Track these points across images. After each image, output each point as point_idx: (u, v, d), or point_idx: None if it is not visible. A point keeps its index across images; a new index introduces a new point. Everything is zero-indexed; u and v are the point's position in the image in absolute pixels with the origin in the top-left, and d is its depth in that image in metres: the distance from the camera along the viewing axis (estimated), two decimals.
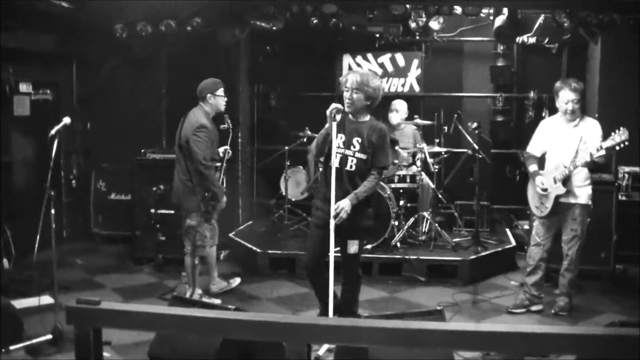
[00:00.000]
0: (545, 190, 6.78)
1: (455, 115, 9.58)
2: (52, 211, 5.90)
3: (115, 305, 3.80)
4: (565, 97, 6.72)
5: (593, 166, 6.61)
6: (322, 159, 6.13)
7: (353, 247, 5.97)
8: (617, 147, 6.45)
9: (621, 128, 6.40)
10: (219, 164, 7.36)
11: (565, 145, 6.74)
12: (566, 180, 6.68)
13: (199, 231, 7.17)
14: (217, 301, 7.34)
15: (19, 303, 6.64)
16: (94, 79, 10.25)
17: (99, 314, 3.55)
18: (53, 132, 6.08)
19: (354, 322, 3.92)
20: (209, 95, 7.13)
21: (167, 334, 4.74)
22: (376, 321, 4.01)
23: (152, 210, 8.68)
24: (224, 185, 7.56)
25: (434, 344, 3.41)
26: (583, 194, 6.78)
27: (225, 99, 7.28)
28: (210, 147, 6.97)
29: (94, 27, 8.98)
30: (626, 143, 6.34)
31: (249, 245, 8.77)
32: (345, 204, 5.73)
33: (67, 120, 6.27)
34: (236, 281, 7.99)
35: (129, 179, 9.42)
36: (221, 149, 7.40)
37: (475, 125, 8.91)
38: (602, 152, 6.47)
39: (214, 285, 7.67)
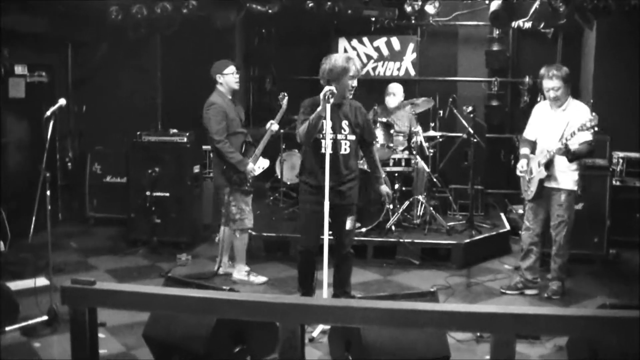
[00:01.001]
0: (529, 172, 6.84)
1: (450, 99, 9.58)
2: (47, 193, 5.92)
3: (109, 286, 3.83)
4: (545, 85, 6.75)
5: (571, 155, 6.52)
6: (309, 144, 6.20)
7: (350, 223, 6.30)
8: (590, 133, 6.50)
9: (593, 113, 6.44)
10: (242, 130, 7.46)
11: (552, 129, 6.74)
12: (548, 165, 6.69)
13: (234, 205, 7.36)
14: (263, 279, 7.57)
15: (15, 285, 6.66)
16: (89, 61, 10.24)
17: (94, 294, 3.57)
18: (48, 113, 6.08)
19: (347, 302, 3.95)
20: (218, 75, 7.40)
21: (161, 315, 4.76)
22: (369, 302, 4.05)
23: (147, 193, 8.66)
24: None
25: (426, 325, 3.45)
26: (567, 179, 6.76)
27: (237, 76, 7.46)
28: (221, 122, 7.19)
29: (89, 9, 8.96)
30: (595, 129, 6.35)
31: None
32: (387, 189, 6.72)
33: (62, 101, 6.26)
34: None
35: (125, 162, 9.41)
36: (268, 124, 7.58)
37: (470, 109, 8.90)
38: (577, 140, 6.44)
39: (237, 273, 7.66)
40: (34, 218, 6.11)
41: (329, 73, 6.03)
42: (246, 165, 7.24)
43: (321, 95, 5.71)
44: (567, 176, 6.75)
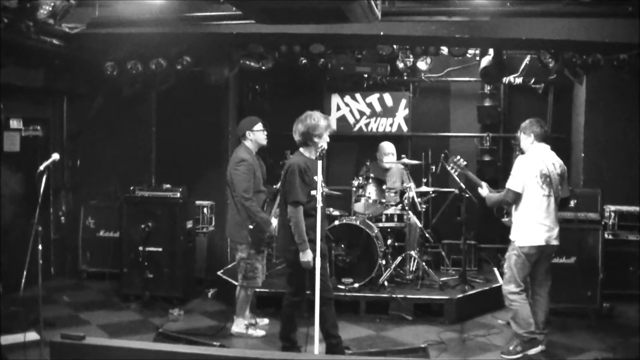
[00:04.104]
0: None
1: (442, 155, 9.65)
2: (40, 247, 5.92)
3: (99, 341, 3.81)
4: None
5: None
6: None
7: None
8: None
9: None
10: (264, 189, 7.54)
11: None
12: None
13: (249, 263, 7.39)
14: (261, 333, 7.56)
15: (4, 339, 6.61)
16: (84, 115, 10.30)
17: (83, 350, 3.56)
18: (42, 167, 6.11)
19: (340, 358, 3.94)
20: (247, 132, 7.50)
21: None
22: (360, 358, 4.04)
23: (140, 248, 8.65)
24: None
25: None
26: (513, 229, 6.91)
27: (265, 133, 7.58)
28: (250, 180, 7.25)
29: (84, 63, 9.07)
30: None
31: (236, 283, 8.73)
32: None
33: (56, 156, 6.30)
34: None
35: (118, 216, 9.42)
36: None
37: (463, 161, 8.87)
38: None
39: (236, 326, 7.63)
40: (25, 272, 6.09)
41: (314, 129, 6.31)
42: (270, 225, 7.26)
43: (318, 153, 6.00)
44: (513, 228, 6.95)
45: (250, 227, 7.22)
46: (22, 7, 6.36)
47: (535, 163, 6.76)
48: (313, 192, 6.27)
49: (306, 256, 6.17)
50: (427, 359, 4.33)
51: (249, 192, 7.21)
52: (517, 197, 6.75)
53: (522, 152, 7.03)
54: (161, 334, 5.02)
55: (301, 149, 6.49)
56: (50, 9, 6.55)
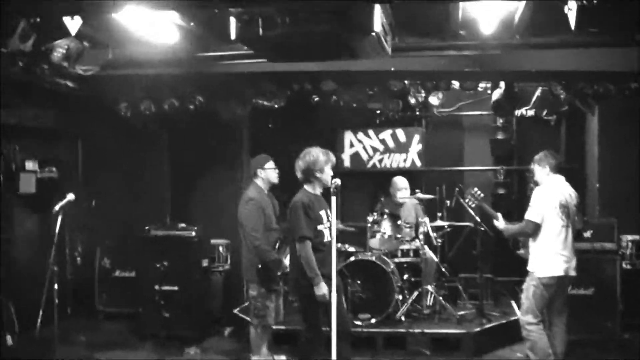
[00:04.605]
0: None
1: (457, 189, 9.62)
2: (55, 286, 5.94)
3: None
4: None
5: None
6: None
7: None
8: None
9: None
10: (276, 227, 7.46)
11: None
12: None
13: (259, 301, 7.33)
14: None
15: None
16: (99, 156, 10.38)
17: None
18: (57, 208, 6.18)
19: None
20: (259, 170, 7.51)
21: None
22: None
23: (156, 287, 8.66)
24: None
25: None
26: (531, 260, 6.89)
27: (277, 171, 7.60)
28: (259, 218, 7.22)
29: (98, 104, 9.16)
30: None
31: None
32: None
33: (71, 196, 6.37)
34: None
35: (133, 256, 9.45)
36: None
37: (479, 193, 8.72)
38: None
39: None
40: (41, 311, 6.11)
41: (314, 165, 6.42)
42: (280, 265, 7.22)
43: (332, 188, 5.97)
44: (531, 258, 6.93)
45: (259, 266, 7.18)
46: (36, 51, 6.45)
47: (553, 194, 6.76)
48: (320, 227, 6.34)
49: (321, 289, 6.15)
50: None
51: (258, 231, 7.18)
52: (536, 228, 6.72)
53: (537, 184, 7.02)
54: None
55: (305, 186, 6.54)
56: (65, 51, 6.64)
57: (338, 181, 5.96)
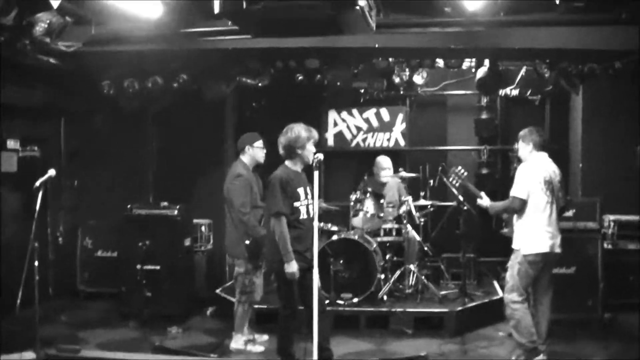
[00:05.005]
0: None
1: (440, 168, 9.62)
2: (36, 263, 5.88)
3: (95, 354, 3.78)
4: None
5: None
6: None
7: None
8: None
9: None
10: (262, 204, 7.43)
11: None
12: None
13: (247, 278, 7.38)
14: (260, 348, 7.56)
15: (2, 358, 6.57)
16: (81, 135, 10.29)
17: None
18: (38, 184, 6.12)
19: None
20: (247, 147, 7.55)
21: None
22: None
23: (139, 266, 8.60)
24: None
25: None
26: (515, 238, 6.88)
27: (265, 150, 7.62)
28: (247, 195, 7.28)
29: (81, 82, 9.06)
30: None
31: (234, 299, 8.68)
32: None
33: (52, 172, 6.31)
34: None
35: (116, 236, 9.40)
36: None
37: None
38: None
39: (234, 342, 7.58)
40: (21, 289, 6.05)
41: (295, 141, 6.39)
42: (265, 239, 7.23)
43: (313, 163, 5.90)
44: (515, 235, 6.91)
45: (247, 242, 7.21)
46: (18, 25, 6.34)
47: (537, 170, 6.75)
48: (296, 204, 6.33)
49: (291, 267, 6.16)
50: None
51: (246, 207, 7.22)
52: (522, 205, 6.70)
53: (520, 161, 7.02)
54: (158, 348, 4.97)
55: (286, 162, 6.52)
56: (47, 26, 6.53)
57: (320, 156, 5.92)
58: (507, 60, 8.90)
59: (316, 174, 5.77)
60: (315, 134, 6.53)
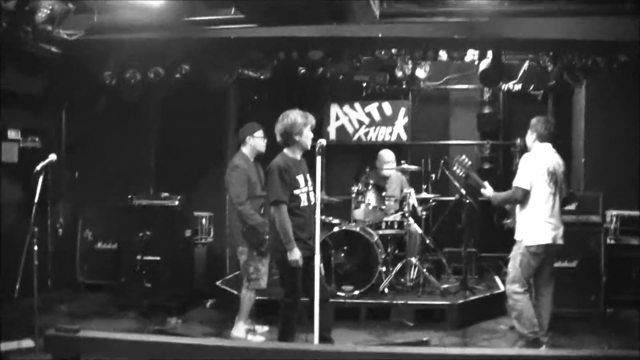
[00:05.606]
0: None
1: (442, 161, 9.58)
2: (35, 247, 5.85)
3: (94, 333, 3.73)
4: None
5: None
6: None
7: None
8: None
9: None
10: (262, 194, 7.40)
11: None
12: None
13: (251, 265, 7.38)
14: (260, 339, 7.57)
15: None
16: (82, 125, 10.24)
17: (78, 342, 3.50)
18: (38, 168, 6.10)
19: (339, 348, 3.86)
20: (248, 137, 7.56)
21: None
22: (361, 347, 3.96)
23: (138, 257, 8.57)
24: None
25: None
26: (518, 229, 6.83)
27: (265, 140, 7.61)
28: (243, 185, 7.30)
29: (82, 72, 9.03)
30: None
31: (235, 292, 8.64)
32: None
33: (53, 156, 6.30)
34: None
35: (116, 227, 9.36)
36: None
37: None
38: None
39: (236, 330, 7.55)
40: (19, 279, 6.01)
41: (292, 127, 6.33)
42: (265, 227, 7.23)
43: (316, 149, 5.85)
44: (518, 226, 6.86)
45: (243, 229, 7.24)
46: (20, 10, 6.32)
47: (541, 161, 6.70)
48: (296, 192, 6.28)
49: (293, 255, 6.13)
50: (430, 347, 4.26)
51: (241, 197, 7.25)
52: (525, 195, 6.65)
53: (526, 151, 6.98)
54: (157, 331, 4.94)
55: (285, 150, 6.47)
56: (49, 12, 6.52)
57: (323, 141, 5.86)
58: (510, 50, 8.87)
59: (319, 159, 5.73)
60: (312, 119, 6.47)
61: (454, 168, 7.49)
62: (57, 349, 3.46)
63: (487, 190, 7.08)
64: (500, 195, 7.02)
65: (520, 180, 6.68)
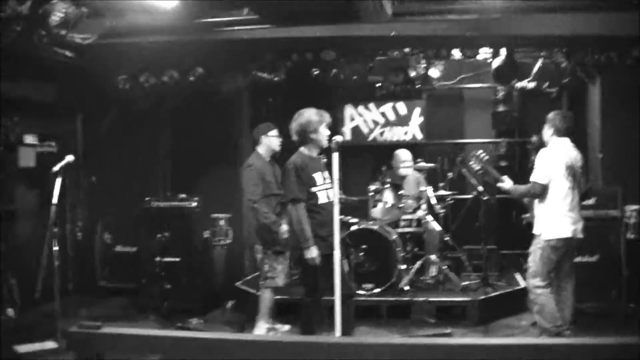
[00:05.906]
0: None
1: (459, 159, 9.55)
2: (55, 248, 5.89)
3: (117, 329, 3.75)
4: None
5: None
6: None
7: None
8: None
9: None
10: (278, 192, 7.44)
11: None
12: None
13: (266, 263, 7.44)
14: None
15: (22, 348, 6.58)
16: (98, 130, 10.29)
17: (101, 339, 3.51)
18: (56, 168, 6.15)
19: (361, 340, 3.87)
20: (262, 136, 7.68)
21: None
22: (382, 339, 3.96)
23: (158, 259, 8.62)
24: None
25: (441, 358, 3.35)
26: (537, 223, 6.80)
27: (280, 139, 7.71)
28: (257, 184, 7.38)
29: (97, 77, 9.07)
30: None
31: (255, 292, 8.64)
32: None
33: (70, 157, 6.34)
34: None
35: (134, 230, 9.41)
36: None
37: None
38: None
39: (257, 328, 7.59)
40: (39, 283, 6.04)
41: (307, 126, 6.39)
42: (279, 226, 7.27)
43: (332, 145, 5.83)
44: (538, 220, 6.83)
45: (257, 228, 7.34)
46: (34, 14, 6.36)
47: (559, 155, 6.68)
48: (313, 189, 6.31)
49: (311, 252, 6.14)
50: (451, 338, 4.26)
51: (254, 196, 7.32)
52: (543, 190, 6.63)
53: (542, 148, 6.95)
54: (180, 328, 4.96)
55: (301, 149, 6.51)
56: (63, 16, 6.55)
57: (339, 138, 5.86)
58: (523, 47, 8.82)
59: (335, 155, 5.74)
60: (327, 117, 6.51)
61: (471, 163, 7.49)
62: (79, 346, 3.48)
63: (506, 183, 7.05)
64: (520, 188, 6.98)
65: (537, 175, 6.66)
